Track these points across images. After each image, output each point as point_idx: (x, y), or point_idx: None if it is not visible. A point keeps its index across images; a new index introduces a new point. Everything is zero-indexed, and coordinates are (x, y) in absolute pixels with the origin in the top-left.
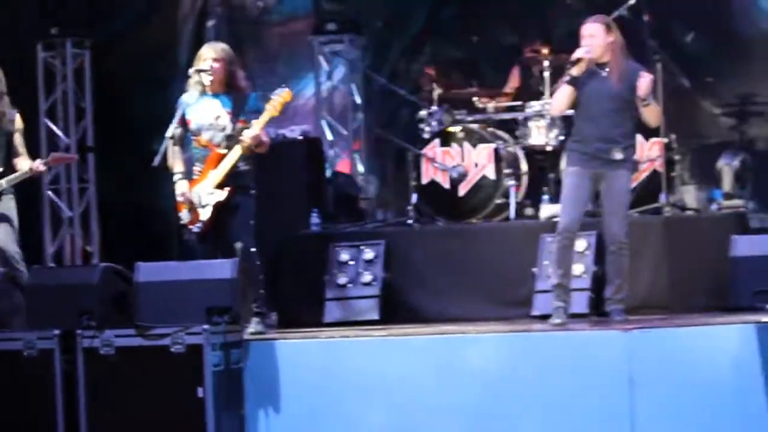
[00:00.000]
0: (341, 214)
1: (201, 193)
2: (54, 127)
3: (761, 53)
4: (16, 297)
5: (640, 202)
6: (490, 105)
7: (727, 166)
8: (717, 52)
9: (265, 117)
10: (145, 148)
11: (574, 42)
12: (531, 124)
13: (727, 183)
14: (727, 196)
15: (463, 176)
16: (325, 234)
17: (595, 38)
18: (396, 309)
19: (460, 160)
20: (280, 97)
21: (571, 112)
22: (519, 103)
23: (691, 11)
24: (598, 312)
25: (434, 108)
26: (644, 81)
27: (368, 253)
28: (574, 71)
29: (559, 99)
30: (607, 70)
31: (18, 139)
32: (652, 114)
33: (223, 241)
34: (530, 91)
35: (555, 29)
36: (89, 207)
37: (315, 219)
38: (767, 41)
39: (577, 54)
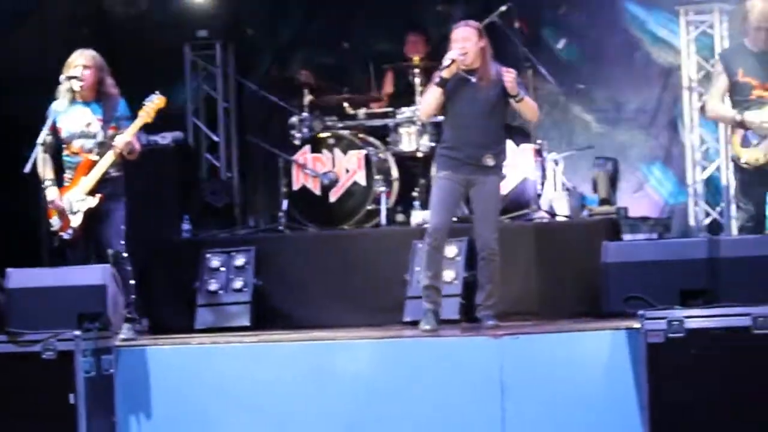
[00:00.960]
0: (212, 221)
1: (72, 200)
2: None
3: (631, 60)
4: None
5: (511, 209)
6: (361, 111)
7: (602, 173)
8: (588, 58)
9: (138, 123)
10: (17, 155)
11: (445, 47)
12: (402, 130)
13: (602, 189)
14: (603, 202)
15: (333, 182)
16: (196, 240)
17: (468, 41)
18: (267, 315)
19: (330, 167)
20: (153, 103)
21: (441, 118)
22: (390, 109)
23: (562, 18)
24: (468, 318)
25: (305, 114)
26: (508, 77)
27: (239, 260)
28: (445, 73)
29: (428, 101)
30: (477, 76)
31: None
32: (528, 109)
33: (95, 247)
34: (402, 96)
35: (427, 35)
36: None
37: (186, 225)
38: (638, 48)
39: (450, 55)
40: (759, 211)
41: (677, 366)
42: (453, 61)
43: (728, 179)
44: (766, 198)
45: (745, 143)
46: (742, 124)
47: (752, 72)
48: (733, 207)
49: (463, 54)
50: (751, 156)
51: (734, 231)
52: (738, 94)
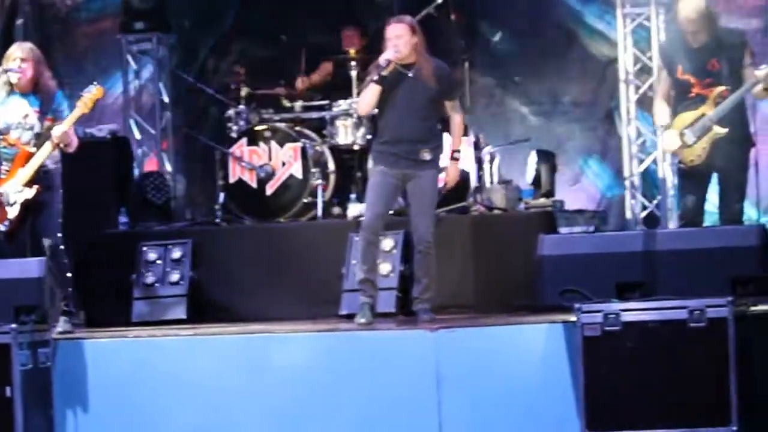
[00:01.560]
0: (149, 213)
1: (9, 192)
2: None
3: (568, 52)
4: None
5: (447, 201)
6: (298, 104)
7: (544, 165)
8: (524, 51)
9: (75, 114)
10: None
11: (382, 40)
12: (338, 123)
13: (545, 182)
14: (547, 194)
15: (270, 175)
16: (132, 233)
17: (401, 38)
18: (204, 308)
19: (267, 159)
20: (90, 93)
21: (376, 111)
22: (326, 102)
23: (499, 11)
24: (405, 311)
25: (241, 107)
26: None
27: (175, 252)
28: (384, 72)
29: (367, 99)
30: (413, 70)
31: None
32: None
33: (31, 239)
34: (340, 89)
35: (365, 28)
36: None
37: (123, 218)
38: (574, 40)
39: (386, 56)
40: (699, 203)
41: (613, 359)
42: (389, 62)
43: (665, 172)
44: (705, 193)
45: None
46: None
47: (690, 69)
48: (669, 200)
49: (397, 52)
50: (686, 156)
51: (670, 224)
52: (679, 92)
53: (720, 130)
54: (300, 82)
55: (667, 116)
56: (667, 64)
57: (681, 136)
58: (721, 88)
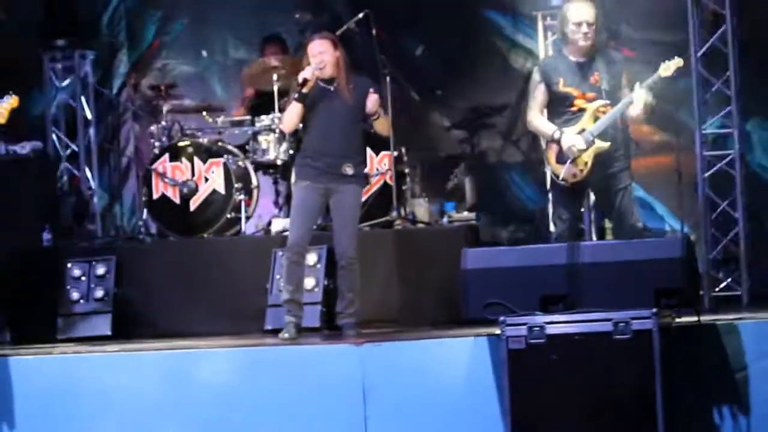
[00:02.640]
0: (73, 230)
1: None
2: None
3: (490, 66)
4: None
5: (371, 216)
6: (220, 119)
7: (467, 179)
8: (447, 65)
9: None
10: None
11: (302, 56)
12: (261, 138)
13: (471, 196)
14: (473, 208)
15: (193, 191)
16: (56, 249)
17: (324, 55)
18: (129, 324)
19: (190, 175)
20: (7, 103)
21: (300, 126)
22: (248, 117)
23: (421, 25)
24: (329, 326)
25: (163, 123)
26: (372, 98)
27: (100, 269)
28: (305, 89)
29: (290, 117)
30: (335, 85)
31: None
32: (382, 126)
33: None
34: (262, 104)
35: (285, 43)
36: None
37: (47, 235)
38: (496, 54)
39: (304, 74)
40: (575, 223)
41: (538, 372)
42: (307, 79)
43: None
44: (581, 210)
45: (560, 159)
46: (558, 143)
47: (572, 82)
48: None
49: (321, 68)
50: (567, 172)
51: (594, 236)
52: (559, 105)
53: (602, 145)
54: (237, 113)
55: (554, 126)
56: (547, 78)
57: (560, 152)
58: (600, 102)
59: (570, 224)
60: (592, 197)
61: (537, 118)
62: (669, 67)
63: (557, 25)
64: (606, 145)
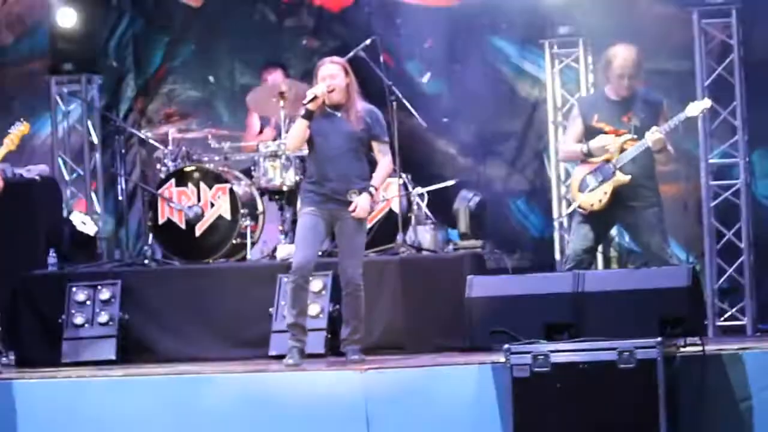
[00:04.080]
0: (78, 255)
1: None
2: None
3: (497, 93)
4: None
5: (376, 243)
6: (226, 145)
7: (462, 206)
8: (453, 92)
9: (2, 151)
10: None
11: (309, 81)
12: (267, 164)
13: (462, 223)
14: (464, 236)
15: (199, 216)
16: (61, 274)
17: (334, 78)
18: (133, 349)
19: (195, 200)
20: (17, 130)
21: (306, 152)
22: (254, 143)
23: (427, 52)
24: (334, 352)
25: (170, 148)
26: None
27: (105, 293)
28: (310, 106)
29: (295, 134)
30: (343, 111)
31: None
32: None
33: None
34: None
35: (286, 70)
36: None
37: (52, 259)
38: (503, 81)
39: (314, 90)
40: (591, 249)
41: (543, 400)
42: (315, 96)
43: None
44: (595, 240)
45: (582, 187)
46: (589, 154)
47: (606, 118)
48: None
49: (330, 90)
50: (586, 201)
51: (600, 265)
52: (590, 139)
53: (623, 178)
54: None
55: (581, 144)
56: (584, 113)
57: (582, 181)
58: (627, 136)
59: (577, 254)
60: (613, 231)
61: (567, 146)
62: (696, 108)
63: (602, 65)
64: (626, 178)
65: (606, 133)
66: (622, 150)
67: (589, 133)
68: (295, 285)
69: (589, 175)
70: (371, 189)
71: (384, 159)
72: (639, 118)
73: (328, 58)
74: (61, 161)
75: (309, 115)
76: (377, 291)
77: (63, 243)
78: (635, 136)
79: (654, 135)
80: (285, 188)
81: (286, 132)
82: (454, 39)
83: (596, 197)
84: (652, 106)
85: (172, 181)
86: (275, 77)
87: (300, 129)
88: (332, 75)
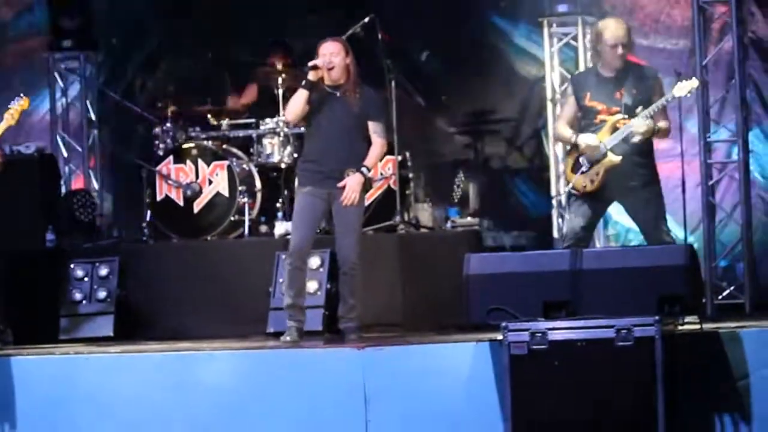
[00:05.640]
0: (76, 231)
1: None
2: None
3: (495, 72)
4: None
5: (374, 220)
6: (225, 122)
7: (470, 184)
8: (451, 70)
9: (2, 126)
10: None
11: (310, 59)
12: (265, 141)
13: (473, 201)
14: (475, 214)
15: (197, 193)
16: (59, 250)
17: (335, 56)
18: (131, 325)
19: (194, 178)
20: (18, 105)
21: (304, 130)
22: (252, 120)
23: (426, 30)
24: (331, 330)
25: (168, 125)
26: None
27: (102, 270)
28: (311, 75)
29: (295, 104)
30: (342, 91)
31: None
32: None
33: None
34: (266, 107)
35: (292, 46)
36: None
37: (50, 235)
38: (501, 60)
39: (315, 61)
40: (587, 228)
41: (540, 378)
42: (316, 66)
43: None
44: (592, 219)
45: (576, 169)
46: (575, 146)
47: (598, 96)
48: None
49: (330, 68)
50: (578, 182)
51: (597, 243)
52: (585, 118)
53: (614, 159)
54: (231, 102)
55: (572, 131)
56: (576, 91)
57: (575, 162)
58: (618, 117)
59: (573, 231)
60: (610, 209)
61: (560, 127)
62: (683, 88)
63: (590, 41)
64: (617, 159)
65: (599, 111)
66: (614, 129)
67: (583, 111)
68: (293, 266)
69: (581, 157)
70: (363, 169)
71: (378, 140)
72: (631, 95)
73: (331, 38)
74: (59, 138)
75: (309, 85)
76: (375, 269)
77: (61, 220)
78: (626, 116)
79: (639, 122)
80: (283, 165)
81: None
82: (452, 17)
83: (588, 178)
84: (645, 81)
85: (170, 158)
86: (280, 57)
87: (300, 99)
88: (333, 52)
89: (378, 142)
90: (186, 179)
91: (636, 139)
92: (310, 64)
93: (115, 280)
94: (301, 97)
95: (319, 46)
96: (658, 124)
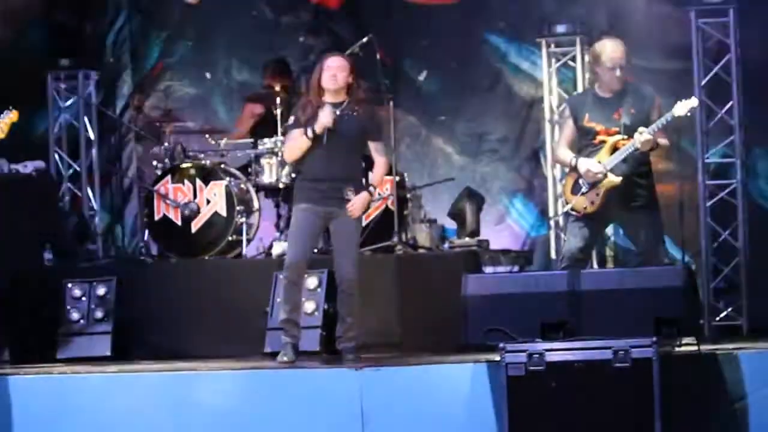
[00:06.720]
0: (74, 250)
1: None
2: None
3: (493, 91)
4: None
5: (372, 240)
6: (223, 142)
7: (468, 204)
8: (450, 90)
9: None
10: None
11: (307, 79)
12: (263, 161)
13: (471, 221)
14: (472, 234)
15: (195, 213)
16: (57, 270)
17: (343, 72)
18: (129, 345)
19: (191, 197)
20: (7, 118)
21: None
22: (251, 140)
23: (424, 50)
24: (329, 350)
25: (166, 144)
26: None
27: (100, 289)
28: (318, 129)
29: (295, 150)
30: (342, 110)
31: None
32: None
33: None
34: (265, 127)
35: (290, 66)
36: None
37: (48, 255)
38: (499, 79)
39: (324, 119)
40: (585, 250)
41: (537, 399)
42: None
43: None
44: (590, 240)
45: (575, 190)
46: (574, 170)
47: (596, 117)
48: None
49: (335, 89)
50: (578, 203)
51: (595, 264)
52: (583, 139)
53: (614, 180)
54: (236, 135)
55: (572, 154)
56: (574, 113)
57: (575, 183)
58: (618, 137)
59: (571, 252)
60: (608, 230)
61: (560, 151)
62: (683, 107)
63: (588, 62)
64: (617, 180)
65: (598, 132)
66: (614, 150)
67: (581, 133)
68: (288, 282)
69: (581, 178)
70: (370, 188)
71: (380, 158)
72: (629, 115)
73: (337, 53)
74: (57, 157)
75: (313, 137)
76: (373, 289)
77: (59, 239)
78: (625, 136)
79: (642, 137)
80: (281, 185)
81: (283, 132)
82: (451, 37)
83: (589, 200)
84: (643, 101)
85: (168, 177)
86: (277, 76)
87: (302, 147)
88: (339, 67)
89: (380, 161)
90: (184, 199)
91: (636, 149)
92: (320, 124)
93: (113, 299)
94: (303, 145)
95: (324, 59)
96: (658, 140)
